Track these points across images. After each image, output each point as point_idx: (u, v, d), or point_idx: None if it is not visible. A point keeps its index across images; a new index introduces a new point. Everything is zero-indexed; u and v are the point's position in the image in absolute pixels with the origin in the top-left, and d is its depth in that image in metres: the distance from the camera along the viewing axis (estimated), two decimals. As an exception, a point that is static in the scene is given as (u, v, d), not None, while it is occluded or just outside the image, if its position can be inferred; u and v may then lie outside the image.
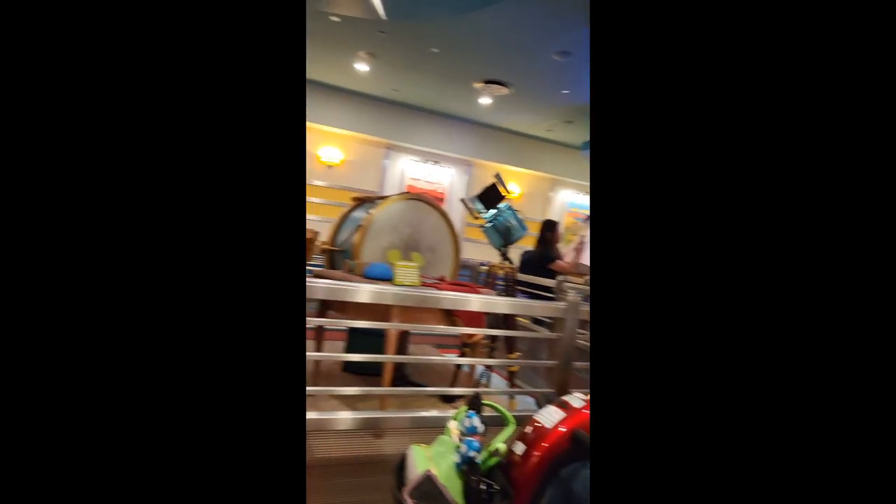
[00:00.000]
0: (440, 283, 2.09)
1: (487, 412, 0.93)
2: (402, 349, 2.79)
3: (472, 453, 0.78)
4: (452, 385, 2.42)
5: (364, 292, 1.21)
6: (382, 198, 2.97)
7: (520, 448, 0.87)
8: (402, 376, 2.67)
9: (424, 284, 1.94)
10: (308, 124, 6.44)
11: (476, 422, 0.86)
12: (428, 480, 0.74)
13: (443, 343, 3.92)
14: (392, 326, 1.45)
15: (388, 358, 1.50)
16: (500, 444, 0.86)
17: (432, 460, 0.80)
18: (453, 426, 0.86)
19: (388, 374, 1.77)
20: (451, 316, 1.95)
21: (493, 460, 0.81)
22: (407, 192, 2.95)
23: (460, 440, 0.80)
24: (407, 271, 1.83)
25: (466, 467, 0.77)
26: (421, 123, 7.10)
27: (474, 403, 0.88)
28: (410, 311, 1.79)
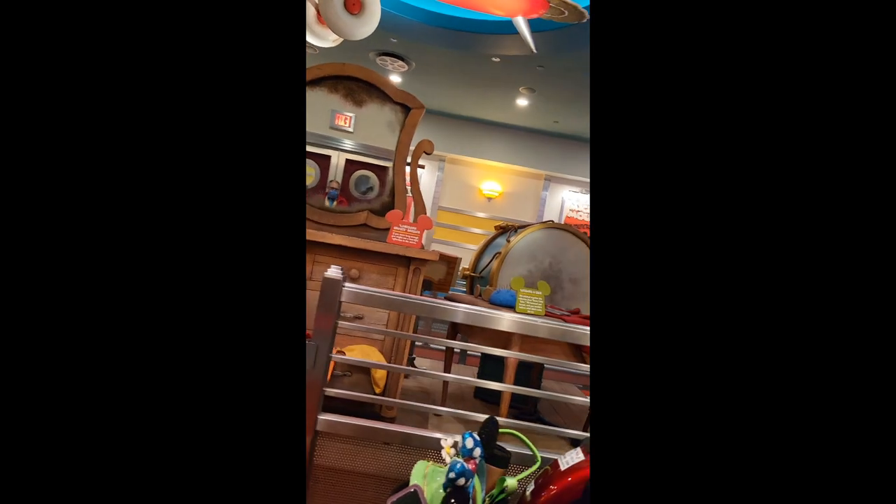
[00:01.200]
0: (571, 315, 1.96)
1: (512, 444, 0.83)
2: (535, 384, 2.66)
3: (451, 474, 0.70)
4: (586, 428, 2.20)
5: (460, 313, 1.20)
6: (525, 226, 2.95)
7: (530, 489, 0.76)
8: (533, 412, 2.54)
9: (549, 315, 1.84)
10: (471, 159, 6.83)
11: (470, 444, 0.76)
12: (412, 495, 0.69)
13: (587, 384, 3.60)
14: (511, 355, 1.40)
15: (509, 388, 1.45)
16: (511, 480, 0.75)
17: (427, 477, 0.74)
18: (447, 444, 0.77)
19: (504, 405, 1.71)
20: (580, 351, 1.80)
21: (501, 496, 0.72)
22: (550, 221, 2.87)
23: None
24: (530, 300, 1.77)
25: (450, 490, 0.69)
26: (582, 153, 6.90)
27: (484, 427, 0.78)
28: (531, 342, 1.71)
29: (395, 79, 5.37)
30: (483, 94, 5.73)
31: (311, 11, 2.40)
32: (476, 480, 0.73)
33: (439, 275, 2.92)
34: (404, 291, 1.80)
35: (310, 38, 2.60)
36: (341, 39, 2.70)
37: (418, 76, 5.28)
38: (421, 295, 2.24)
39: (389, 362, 1.80)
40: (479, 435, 0.76)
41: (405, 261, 1.81)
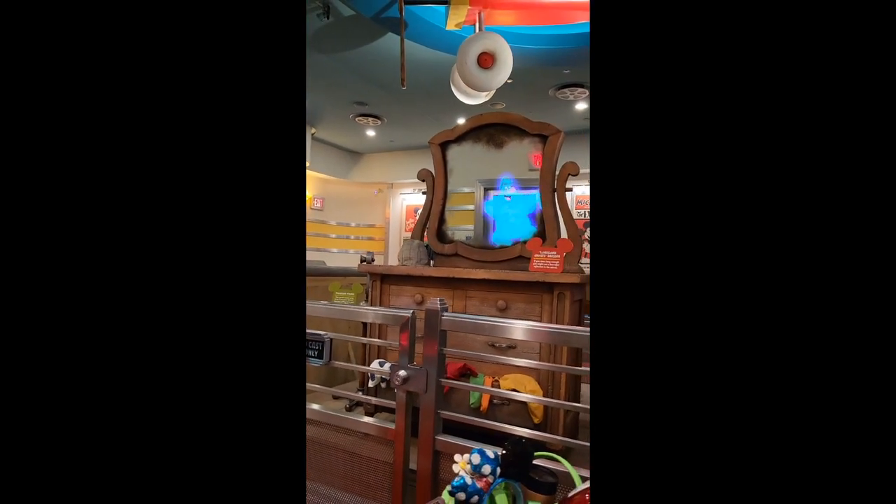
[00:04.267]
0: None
1: (550, 465, 0.69)
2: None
3: (449, 488, 0.63)
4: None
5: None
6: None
7: None
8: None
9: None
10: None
11: (476, 459, 0.66)
12: None
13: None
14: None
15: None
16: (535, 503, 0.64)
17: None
18: (461, 459, 0.69)
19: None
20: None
21: None
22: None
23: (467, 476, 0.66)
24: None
25: None
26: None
27: (512, 448, 0.67)
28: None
29: (582, 106, 5.31)
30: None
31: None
32: (501, 500, 0.68)
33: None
34: (551, 318, 1.76)
35: (466, 100, 2.91)
36: (492, 92, 2.93)
37: (604, 96, 5.10)
38: (583, 321, 2.12)
39: (546, 392, 1.75)
40: (506, 455, 0.72)
41: (548, 287, 1.78)
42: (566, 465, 0.77)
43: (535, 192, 2.13)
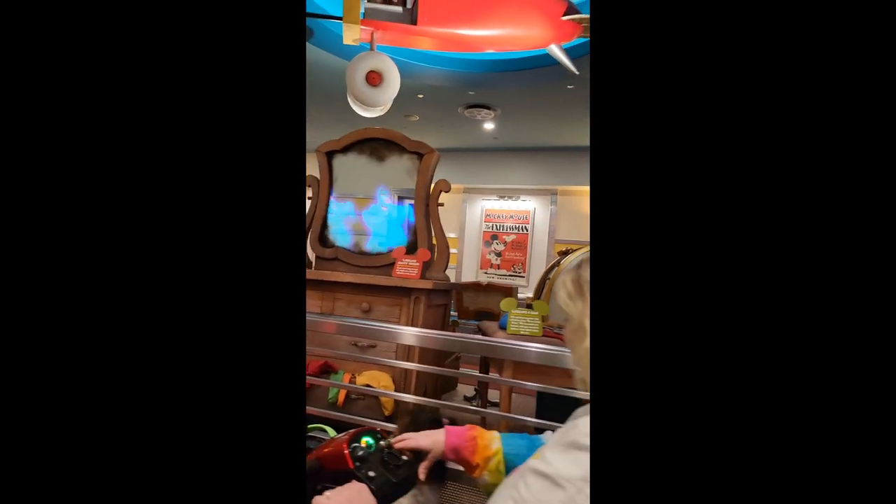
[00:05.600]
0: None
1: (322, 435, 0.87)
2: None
3: None
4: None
5: (407, 336, 1.30)
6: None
7: None
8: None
9: (548, 335, 1.76)
10: (583, 188, 6.62)
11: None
12: None
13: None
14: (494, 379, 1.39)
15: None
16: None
17: None
18: None
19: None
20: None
21: None
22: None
23: None
24: (524, 320, 1.73)
25: None
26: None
27: None
28: (522, 367, 1.67)
29: (490, 126, 5.65)
30: (570, 121, 5.61)
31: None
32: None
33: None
34: (409, 320, 1.94)
35: (363, 112, 3.05)
36: (387, 107, 3.10)
37: (510, 118, 5.47)
38: (448, 324, 2.33)
39: (399, 387, 1.92)
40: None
41: (407, 291, 1.96)
42: (332, 434, 0.92)
43: (409, 205, 2.31)
